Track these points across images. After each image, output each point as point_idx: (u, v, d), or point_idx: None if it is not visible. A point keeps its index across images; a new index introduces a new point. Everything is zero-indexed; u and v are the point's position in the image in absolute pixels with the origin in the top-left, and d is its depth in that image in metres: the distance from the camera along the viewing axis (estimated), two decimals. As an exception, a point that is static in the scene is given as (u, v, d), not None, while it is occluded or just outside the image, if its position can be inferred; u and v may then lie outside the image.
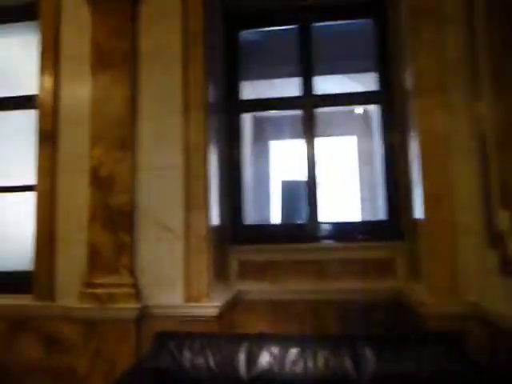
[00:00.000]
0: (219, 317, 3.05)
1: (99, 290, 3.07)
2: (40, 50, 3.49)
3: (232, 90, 3.86)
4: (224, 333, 3.03)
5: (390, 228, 3.55)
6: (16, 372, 3.28)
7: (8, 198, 3.73)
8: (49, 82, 3.43)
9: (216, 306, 3.01)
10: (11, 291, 3.46)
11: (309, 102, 3.71)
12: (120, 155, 3.17)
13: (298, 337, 2.83)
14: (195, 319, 3.00)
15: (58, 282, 3.28)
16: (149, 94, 3.26)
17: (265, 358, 2.65)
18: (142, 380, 2.61)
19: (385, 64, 3.68)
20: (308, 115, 3.70)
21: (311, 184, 3.66)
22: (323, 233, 3.63)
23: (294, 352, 2.65)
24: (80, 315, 3.08)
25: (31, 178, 3.43)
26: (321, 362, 2.60)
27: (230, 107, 3.84)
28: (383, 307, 3.34)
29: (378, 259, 3.47)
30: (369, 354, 2.59)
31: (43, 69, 3.46)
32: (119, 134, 3.19)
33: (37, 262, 3.33)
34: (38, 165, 3.38)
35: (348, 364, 2.57)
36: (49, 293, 3.27)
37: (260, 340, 2.75)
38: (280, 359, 2.63)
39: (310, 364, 2.60)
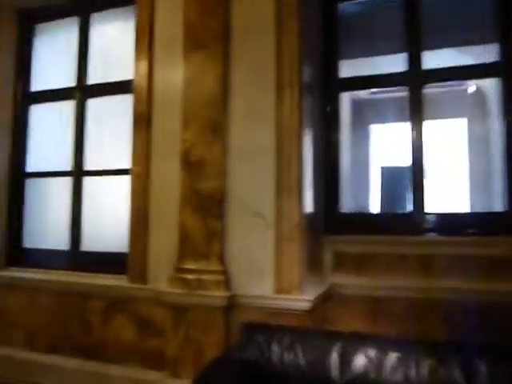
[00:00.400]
0: (311, 311, 2.84)
1: (189, 276, 3.02)
2: (136, 34, 3.51)
3: (329, 67, 3.56)
4: (315, 329, 2.81)
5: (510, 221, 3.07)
6: (111, 350, 3.38)
7: (107, 181, 3.83)
8: (143, 65, 3.43)
9: (308, 300, 2.81)
10: (110, 271, 3.58)
11: (416, 77, 3.30)
12: (211, 138, 3.07)
13: (397, 340, 2.53)
14: (285, 312, 2.82)
15: (150, 264, 3.30)
16: (241, 73, 3.11)
17: (360, 361, 2.40)
18: (229, 370, 2.52)
19: (509, 33, 3.15)
20: (415, 93, 3.30)
21: (417, 170, 3.27)
22: (429, 224, 3.23)
23: (393, 357, 2.36)
24: (169, 300, 3.06)
25: (127, 162, 3.48)
26: (425, 371, 2.29)
27: (327, 86, 3.55)
28: (498, 312, 2.90)
29: (493, 256, 3.01)
30: (483, 367, 2.22)
31: (138, 53, 3.47)
32: (211, 116, 3.09)
33: (131, 245, 3.38)
34: (132, 149, 3.42)
35: (458, 377, 2.23)
36: (141, 275, 3.30)
37: (355, 340, 2.50)
38: (377, 363, 2.36)
39: (412, 372, 2.30)
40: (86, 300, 3.51)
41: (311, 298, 2.83)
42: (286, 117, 2.98)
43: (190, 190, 3.08)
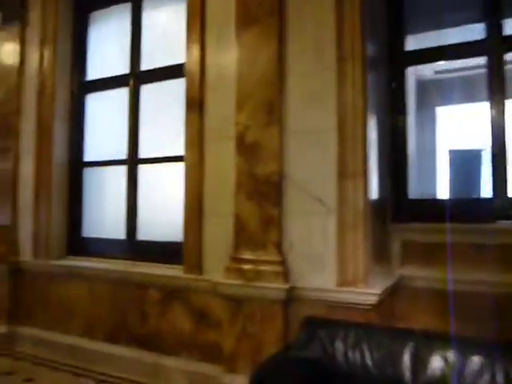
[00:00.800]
0: (377, 306, 2.59)
1: (245, 266, 2.86)
2: (187, 16, 3.38)
3: (394, 41, 3.24)
4: (384, 326, 2.56)
5: None
6: (168, 341, 3.30)
7: (161, 169, 3.75)
8: (195, 48, 3.30)
9: (374, 294, 2.56)
10: (166, 261, 3.50)
11: (497, 44, 2.91)
12: (267, 119, 2.88)
13: (479, 340, 2.24)
14: (349, 306, 2.60)
15: (206, 254, 3.18)
16: (297, 49, 2.89)
17: (436, 363, 2.15)
18: (289, 368, 2.34)
19: None
20: (495, 63, 2.92)
21: (498, 153, 2.90)
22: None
23: (475, 360, 2.09)
24: (225, 291, 2.92)
25: (181, 149, 3.37)
26: (515, 378, 1.99)
27: (392, 61, 3.24)
28: None
29: None
30: None
31: (190, 35, 3.35)
32: (266, 96, 2.90)
33: (186, 234, 3.27)
34: (186, 134, 3.30)
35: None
36: (197, 265, 3.19)
37: (429, 339, 2.25)
38: (457, 367, 2.09)
39: (500, 379, 2.01)
40: (143, 290, 3.45)
41: (378, 291, 2.58)
42: (348, 94, 2.73)
43: (246, 174, 2.91)
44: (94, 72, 4.24)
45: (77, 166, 4.20)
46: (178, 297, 3.28)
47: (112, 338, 3.58)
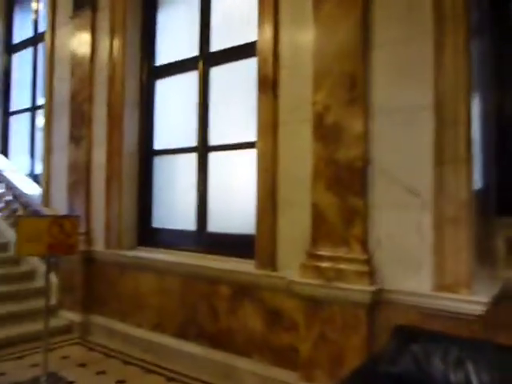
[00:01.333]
0: (484, 316, 2.16)
1: (324, 264, 2.54)
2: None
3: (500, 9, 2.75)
4: (495, 342, 2.13)
5: None
6: (238, 340, 3.08)
7: (232, 156, 3.51)
8: (267, 23, 3.02)
9: (481, 302, 2.14)
10: (237, 255, 3.28)
11: None
12: (348, 96, 2.52)
13: None
14: (449, 315, 2.20)
15: (280, 249, 2.90)
16: (385, 14, 2.50)
17: None
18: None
19: None
20: None
21: None
22: None
23: None
24: (301, 291, 2.62)
25: (253, 135, 3.11)
26: None
27: (499, 27, 2.75)
28: None
29: None
30: None
31: (262, 11, 3.06)
32: (347, 70, 2.54)
33: (258, 227, 3.01)
34: (258, 117, 3.03)
35: None
36: (270, 261, 2.92)
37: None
38: None
39: None
40: (213, 285, 3.25)
41: (486, 299, 2.15)
42: (446, 67, 2.29)
43: (325, 161, 2.58)
44: (162, 57, 4.08)
45: (146, 154, 4.09)
46: (249, 294, 3.04)
47: (181, 334, 3.43)
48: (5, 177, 5.21)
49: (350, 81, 2.52)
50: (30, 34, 5.69)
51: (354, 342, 2.42)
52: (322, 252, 2.57)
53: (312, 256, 2.62)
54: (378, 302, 2.39)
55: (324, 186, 2.58)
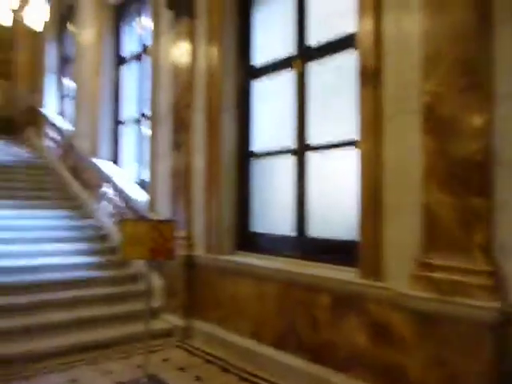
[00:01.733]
0: None
1: (438, 275, 2.24)
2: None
3: None
4: None
5: None
6: (339, 355, 2.84)
7: (332, 156, 3.29)
8: (368, 9, 2.76)
9: None
10: (338, 262, 3.06)
11: None
12: (465, 82, 2.20)
13: None
14: None
15: (386, 257, 2.62)
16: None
17: None
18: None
19: None
20: None
21: None
22: None
23: None
24: (411, 304, 2.34)
25: (354, 132, 2.88)
26: None
27: None
28: None
29: None
30: None
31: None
32: (463, 53, 2.24)
33: (361, 232, 2.77)
34: (360, 112, 2.80)
35: None
36: (375, 270, 2.66)
37: None
38: None
39: None
40: (312, 293, 3.06)
41: None
42: None
43: (438, 156, 2.27)
44: (258, 56, 4.00)
45: (244, 157, 4.03)
46: (351, 305, 2.80)
47: (280, 344, 3.28)
48: (116, 184, 5.52)
49: (466, 65, 2.21)
50: (135, 47, 5.98)
51: (475, 365, 2.08)
52: (436, 261, 2.26)
53: (424, 266, 2.32)
54: (507, 321, 2.03)
55: (437, 186, 2.27)
